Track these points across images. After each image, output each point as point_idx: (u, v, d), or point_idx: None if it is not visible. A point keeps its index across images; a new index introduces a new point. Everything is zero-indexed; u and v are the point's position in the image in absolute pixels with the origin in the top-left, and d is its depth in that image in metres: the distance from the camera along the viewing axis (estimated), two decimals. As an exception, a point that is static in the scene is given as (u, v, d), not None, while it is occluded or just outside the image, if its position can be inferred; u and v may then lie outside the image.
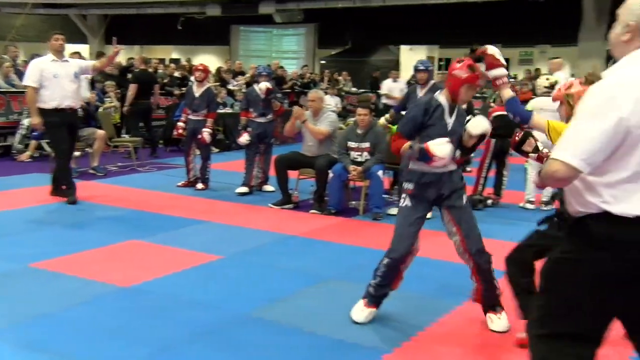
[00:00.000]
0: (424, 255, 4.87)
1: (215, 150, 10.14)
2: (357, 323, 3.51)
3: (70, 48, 9.57)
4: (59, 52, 6.22)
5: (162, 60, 19.52)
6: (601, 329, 1.96)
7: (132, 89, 9.67)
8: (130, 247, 4.93)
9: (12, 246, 4.79)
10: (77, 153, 6.82)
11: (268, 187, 7.29)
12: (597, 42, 14.35)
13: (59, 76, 6.09)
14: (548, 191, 6.59)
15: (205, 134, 7.25)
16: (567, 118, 3.06)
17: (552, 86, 6.44)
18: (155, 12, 18.75)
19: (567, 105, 3.06)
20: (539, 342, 2.01)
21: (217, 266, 4.51)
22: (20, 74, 10.02)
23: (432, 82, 6.31)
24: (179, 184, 7.52)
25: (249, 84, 11.01)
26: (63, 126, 6.21)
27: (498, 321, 3.45)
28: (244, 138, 7.12)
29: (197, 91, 7.39)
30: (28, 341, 3.16)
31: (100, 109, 9.50)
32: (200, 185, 7.38)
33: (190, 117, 7.41)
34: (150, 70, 11.27)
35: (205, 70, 7.63)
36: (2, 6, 18.39)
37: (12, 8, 18.26)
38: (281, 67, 15.45)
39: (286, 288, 4.06)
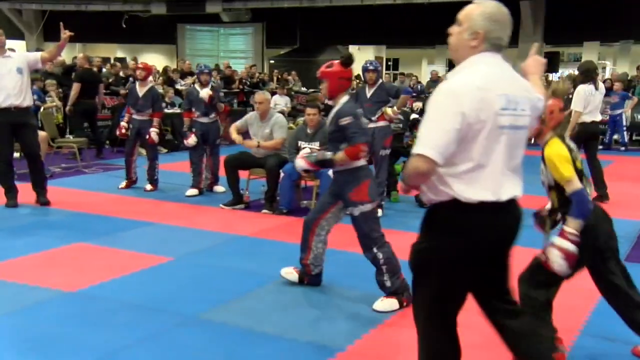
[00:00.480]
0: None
1: (163, 150, 10.00)
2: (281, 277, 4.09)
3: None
4: None
5: (106, 59, 19.02)
6: (461, 302, 2.28)
7: (75, 88, 9.39)
8: (76, 250, 4.79)
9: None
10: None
11: (218, 188, 7.22)
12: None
13: None
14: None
15: (153, 133, 7.12)
16: None
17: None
18: (97, 9, 18.25)
19: None
20: (424, 326, 2.30)
21: (167, 268, 4.43)
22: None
23: (380, 81, 6.38)
24: (121, 185, 7.34)
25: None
26: (6, 126, 5.94)
27: (380, 302, 3.74)
28: (192, 140, 6.98)
29: (141, 90, 7.24)
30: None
31: (41, 109, 9.19)
32: (148, 187, 7.24)
33: (135, 116, 7.26)
34: (95, 69, 10.97)
35: (146, 68, 7.45)
36: None
37: None
38: (229, 67, 15.32)
39: (237, 289, 4.03)
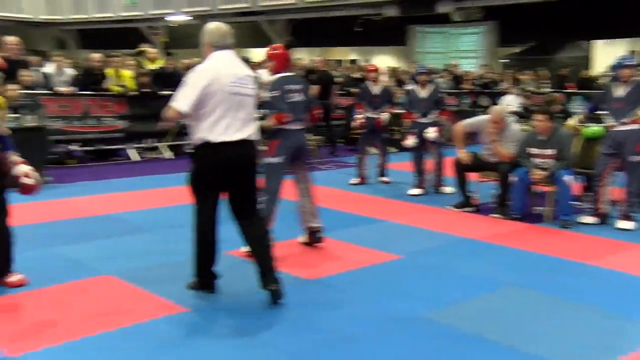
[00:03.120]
0: (625, 269, 4.45)
1: (392, 150, 10.25)
2: None
3: (259, 52, 10.25)
4: None
5: (339, 62, 20.11)
6: (216, 194, 3.67)
7: (315, 89, 10.09)
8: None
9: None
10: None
11: (446, 189, 7.16)
12: None
13: None
14: None
15: (384, 116, 7.68)
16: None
17: None
18: (335, 14, 19.40)
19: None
20: (193, 215, 3.69)
21: (396, 265, 4.52)
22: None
23: (633, 78, 5.67)
24: (352, 181, 7.71)
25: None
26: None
27: None
28: (410, 141, 7.16)
29: (375, 89, 7.67)
30: (218, 326, 3.44)
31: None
32: (386, 178, 7.72)
33: (369, 115, 7.63)
34: (330, 71, 11.68)
35: (377, 70, 8.11)
36: (209, 17, 20.39)
37: (212, 19, 20.18)
38: (457, 67, 15.10)
39: (464, 292, 3.95)
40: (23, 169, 3.86)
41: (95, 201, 6.54)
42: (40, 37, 23.89)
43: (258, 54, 15.98)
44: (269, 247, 3.72)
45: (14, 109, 7.44)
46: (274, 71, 4.74)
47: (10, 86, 7.47)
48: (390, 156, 8.09)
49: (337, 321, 3.46)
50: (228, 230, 3.85)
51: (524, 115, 11.56)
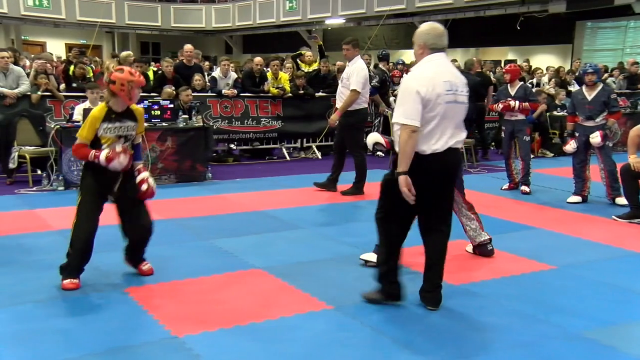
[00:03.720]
0: None
1: (548, 154, 9.64)
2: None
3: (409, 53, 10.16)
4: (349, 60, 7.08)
5: (497, 62, 19.30)
6: (413, 214, 3.53)
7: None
8: (458, 246, 4.95)
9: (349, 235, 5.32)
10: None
11: (621, 200, 6.41)
12: None
13: None
14: None
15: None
16: None
17: None
18: (493, 13, 18.65)
19: None
20: (379, 222, 3.58)
21: (548, 276, 4.23)
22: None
23: None
24: (504, 187, 7.41)
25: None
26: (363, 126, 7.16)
27: None
28: (570, 146, 6.70)
29: (512, 90, 7.37)
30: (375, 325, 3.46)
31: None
32: (525, 188, 7.21)
33: (508, 117, 7.38)
34: (486, 72, 11.24)
35: (509, 71, 7.59)
36: (364, 20, 20.74)
37: (369, 21, 20.48)
38: (636, 64, 13.71)
39: (629, 312, 3.59)
40: (143, 176, 4.08)
41: (249, 198, 6.92)
42: (211, 44, 25.97)
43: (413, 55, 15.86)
44: (443, 264, 3.61)
45: (186, 110, 8.17)
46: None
47: (184, 91, 8.33)
48: (531, 161, 7.47)
49: (485, 332, 3.32)
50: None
51: None
